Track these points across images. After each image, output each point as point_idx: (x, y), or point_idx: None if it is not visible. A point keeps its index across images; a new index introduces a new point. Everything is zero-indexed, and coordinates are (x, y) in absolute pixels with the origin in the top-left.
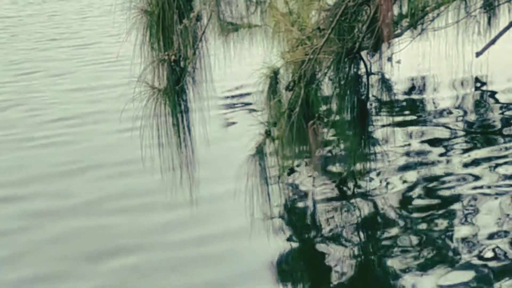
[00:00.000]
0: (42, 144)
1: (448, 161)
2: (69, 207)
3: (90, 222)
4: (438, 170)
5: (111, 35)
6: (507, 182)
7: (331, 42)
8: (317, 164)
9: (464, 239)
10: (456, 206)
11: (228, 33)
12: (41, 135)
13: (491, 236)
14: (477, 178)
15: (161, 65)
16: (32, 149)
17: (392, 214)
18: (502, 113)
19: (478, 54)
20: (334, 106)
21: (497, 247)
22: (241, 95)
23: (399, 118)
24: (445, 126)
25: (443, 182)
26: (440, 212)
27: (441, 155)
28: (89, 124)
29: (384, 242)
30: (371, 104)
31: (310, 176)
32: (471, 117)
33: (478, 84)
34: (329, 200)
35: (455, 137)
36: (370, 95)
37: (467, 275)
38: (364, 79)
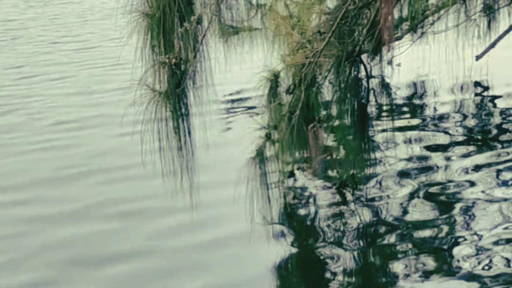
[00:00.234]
0: (43, 148)
1: (447, 167)
2: (69, 212)
3: (91, 227)
4: (438, 176)
5: (112, 39)
6: (508, 188)
7: (332, 45)
8: (317, 167)
9: (464, 246)
10: (457, 211)
11: (229, 36)
12: (42, 139)
13: (492, 243)
14: (477, 184)
15: (161, 68)
16: (33, 153)
17: (392, 219)
18: (502, 118)
19: (478, 57)
20: (334, 110)
21: (498, 254)
22: (241, 98)
23: (399, 121)
24: (444, 130)
25: (443, 188)
26: (441, 218)
27: (441, 160)
28: (89, 128)
29: (384, 248)
30: (371, 108)
31: (310, 180)
32: (471, 122)
33: (478, 88)
34: (329, 204)
35: (455, 142)
36: (370, 99)
37: (468, 283)
38: (364, 83)
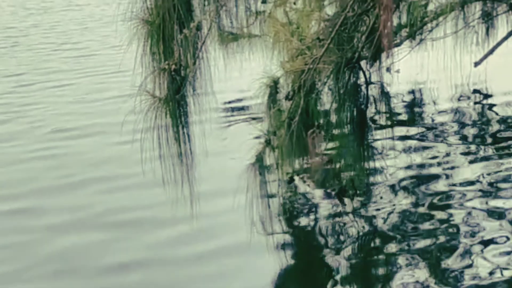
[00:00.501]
0: (43, 156)
1: (447, 176)
2: (68, 222)
3: (90, 237)
4: (437, 185)
5: (113, 46)
6: (508, 198)
7: (331, 52)
8: (316, 173)
9: (464, 256)
10: (457, 220)
11: (228, 43)
12: (42, 147)
13: (491, 254)
14: (477, 193)
15: (161, 74)
16: (32, 161)
17: (391, 228)
18: (500, 126)
19: (476, 64)
20: (333, 116)
21: (498, 265)
22: (241, 104)
23: (397, 127)
24: (442, 138)
25: (443, 198)
26: (440, 228)
27: (439, 165)
28: (89, 136)
29: (384, 258)
30: (370, 113)
31: (309, 186)
32: (470, 129)
33: (476, 94)
34: (329, 212)
35: (453, 149)
36: (369, 105)
37: None
38: (363, 89)
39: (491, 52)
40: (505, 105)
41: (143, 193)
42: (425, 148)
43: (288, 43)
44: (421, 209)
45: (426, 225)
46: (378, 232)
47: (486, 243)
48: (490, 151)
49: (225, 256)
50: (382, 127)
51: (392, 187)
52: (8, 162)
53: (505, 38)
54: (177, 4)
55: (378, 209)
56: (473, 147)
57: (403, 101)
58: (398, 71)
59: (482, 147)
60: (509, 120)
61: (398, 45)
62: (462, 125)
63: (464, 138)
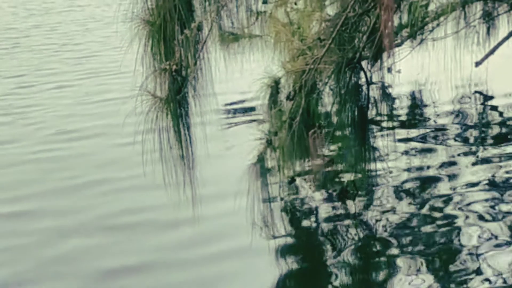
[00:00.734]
0: (44, 158)
1: (450, 177)
2: (69, 225)
3: (91, 240)
4: (439, 187)
5: (114, 47)
6: (510, 201)
7: (332, 52)
8: (318, 174)
9: (466, 260)
10: (459, 223)
11: (229, 43)
12: (43, 149)
13: (494, 258)
14: (479, 196)
15: (162, 74)
16: (34, 163)
17: (392, 231)
18: (501, 127)
19: (477, 63)
20: (334, 116)
21: (499, 269)
22: (242, 105)
23: (398, 128)
24: (443, 139)
25: (445, 200)
26: (443, 230)
27: (441, 168)
28: (91, 138)
29: (385, 261)
30: (371, 113)
31: (311, 187)
32: (470, 129)
33: (477, 95)
34: (329, 213)
35: (454, 150)
36: (370, 105)
37: None
38: (365, 89)
39: (492, 52)
40: (507, 106)
41: (145, 195)
42: (426, 149)
43: (289, 43)
44: (423, 211)
45: (428, 228)
46: (379, 234)
47: (488, 247)
48: (492, 152)
49: (227, 258)
50: (383, 128)
51: (393, 187)
52: (9, 164)
53: (506, 38)
54: (178, 5)
55: (379, 212)
56: (474, 148)
57: (404, 101)
58: (399, 71)
59: (484, 148)
60: (509, 120)
61: (399, 45)
62: (463, 124)
63: (464, 139)
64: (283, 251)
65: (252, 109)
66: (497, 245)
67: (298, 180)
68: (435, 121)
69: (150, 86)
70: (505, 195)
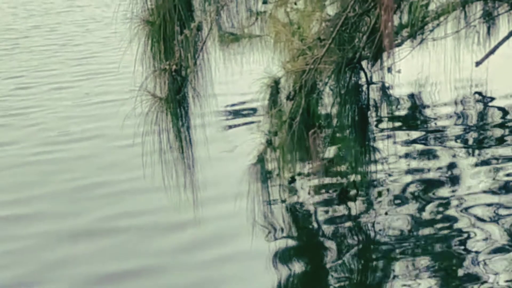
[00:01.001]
0: (44, 160)
1: (450, 178)
2: (70, 228)
3: (92, 243)
4: (440, 190)
5: (114, 48)
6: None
7: (332, 52)
8: (318, 174)
9: (467, 263)
10: (460, 226)
11: (229, 43)
12: (43, 151)
13: (494, 261)
14: (480, 198)
15: (162, 74)
16: (34, 165)
17: (393, 232)
18: (501, 128)
19: (477, 63)
20: (334, 116)
21: (500, 272)
22: (242, 106)
23: (399, 128)
24: (444, 140)
25: (446, 203)
26: (444, 233)
27: (441, 169)
28: (91, 139)
29: (386, 263)
30: (371, 113)
31: (311, 187)
32: (471, 131)
33: (477, 95)
34: (329, 214)
35: (454, 151)
36: (370, 105)
37: None
38: (365, 89)
39: (492, 51)
40: (507, 107)
41: (145, 198)
42: (426, 150)
43: (289, 43)
44: (423, 214)
45: (428, 230)
46: (380, 237)
47: (489, 250)
48: (492, 154)
49: (227, 261)
50: (383, 128)
51: (393, 188)
52: (8, 166)
53: (507, 38)
54: (178, 5)
55: (379, 214)
56: (475, 150)
57: (404, 101)
58: (399, 71)
59: (485, 150)
60: (509, 121)
61: (399, 45)
62: (464, 124)
63: (464, 140)
64: (284, 253)
65: (252, 109)
66: (498, 249)
67: (298, 181)
68: (433, 120)
69: (150, 86)
70: (506, 198)
